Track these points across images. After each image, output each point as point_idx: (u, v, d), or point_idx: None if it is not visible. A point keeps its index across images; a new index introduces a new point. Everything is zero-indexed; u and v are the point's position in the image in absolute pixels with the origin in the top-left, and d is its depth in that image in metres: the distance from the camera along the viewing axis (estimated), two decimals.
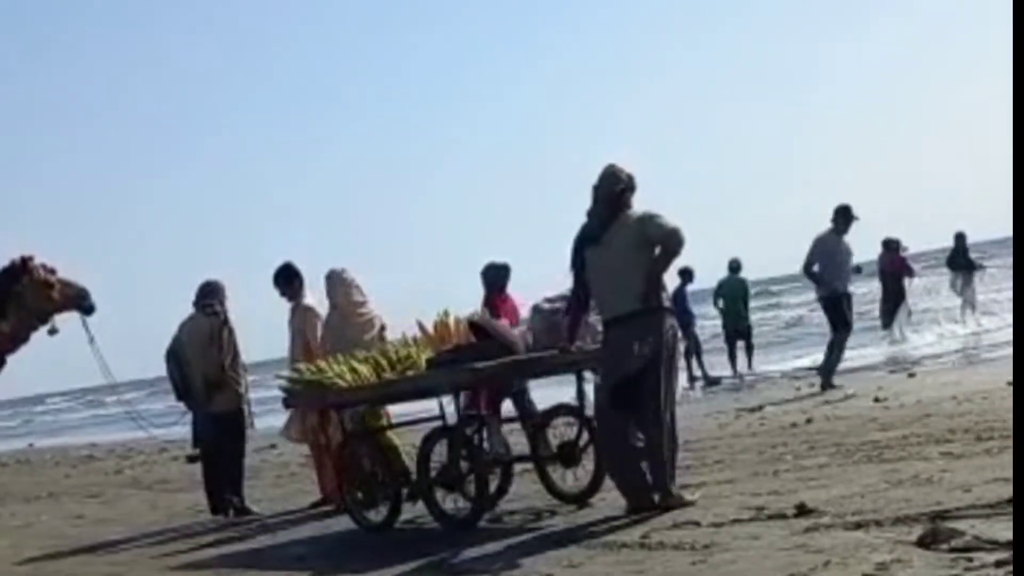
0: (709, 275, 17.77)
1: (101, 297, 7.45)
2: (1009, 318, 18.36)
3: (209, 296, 8.78)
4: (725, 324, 18.03)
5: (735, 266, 17.94)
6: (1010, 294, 20.14)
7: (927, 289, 19.84)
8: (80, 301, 7.67)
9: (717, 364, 17.83)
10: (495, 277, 8.83)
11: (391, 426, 7.65)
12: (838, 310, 12.14)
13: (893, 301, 18.72)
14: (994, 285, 20.72)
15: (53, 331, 7.35)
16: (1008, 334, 16.29)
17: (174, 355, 8.77)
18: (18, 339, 7.26)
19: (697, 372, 17.00)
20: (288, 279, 8.60)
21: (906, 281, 18.58)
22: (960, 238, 19.46)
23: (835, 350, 12.28)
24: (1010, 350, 14.59)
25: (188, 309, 8.82)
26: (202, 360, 8.60)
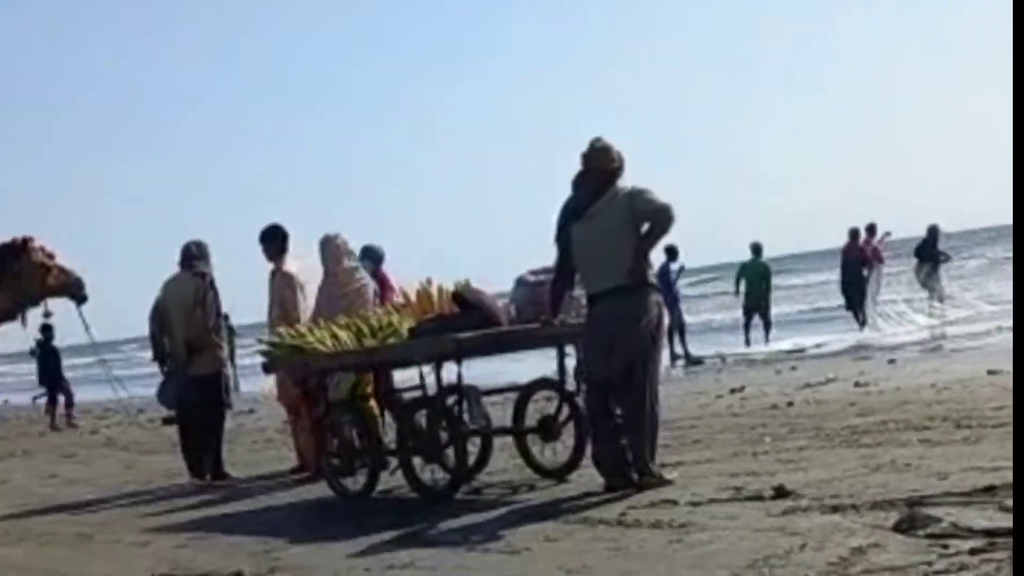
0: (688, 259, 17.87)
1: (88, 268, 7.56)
2: (980, 309, 18.46)
3: (195, 256, 8.71)
4: (746, 303, 18.64)
5: (757, 249, 18.65)
6: (980, 287, 20.24)
7: (894, 279, 19.83)
8: (75, 290, 7.73)
9: (730, 342, 18.19)
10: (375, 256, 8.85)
11: (377, 394, 7.61)
12: None
13: (852, 290, 18.79)
14: (963, 277, 20.88)
15: (48, 314, 7.57)
16: (981, 326, 16.38)
17: (157, 315, 8.72)
18: (6, 315, 7.36)
19: (679, 350, 17.05)
20: (273, 240, 8.52)
21: (870, 270, 18.65)
22: (932, 231, 19.50)
23: None
24: (986, 341, 14.68)
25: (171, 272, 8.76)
26: (185, 321, 8.54)
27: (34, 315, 7.65)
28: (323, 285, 8.06)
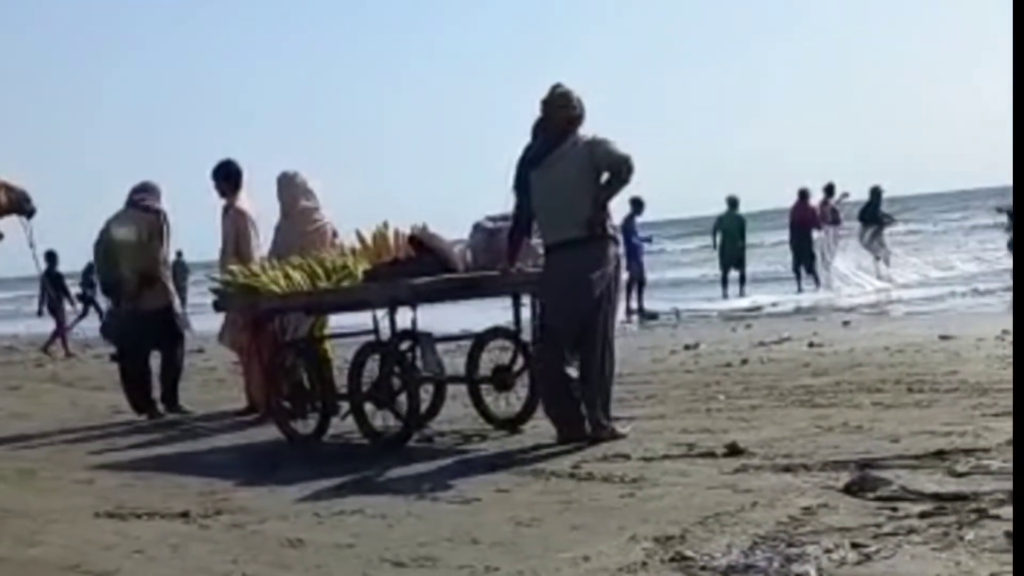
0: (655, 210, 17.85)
1: (51, 196, 7.51)
2: (927, 274, 18.61)
3: (144, 192, 8.58)
4: (722, 256, 18.91)
5: (733, 202, 18.83)
6: (926, 252, 20.38)
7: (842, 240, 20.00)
8: (23, 204, 7.57)
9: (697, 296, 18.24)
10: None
11: (327, 337, 7.52)
12: None
13: (800, 252, 18.90)
14: (906, 243, 21.06)
15: None
16: (933, 291, 16.55)
17: (100, 250, 8.59)
18: None
19: (634, 305, 17.07)
20: (227, 176, 8.36)
21: (820, 232, 18.74)
22: (875, 192, 19.56)
23: None
24: (939, 306, 14.85)
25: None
26: (135, 255, 8.41)
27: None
28: (280, 224, 7.91)
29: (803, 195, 19.08)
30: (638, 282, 17.26)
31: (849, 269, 18.88)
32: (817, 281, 18.69)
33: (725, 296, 18.60)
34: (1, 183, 7.43)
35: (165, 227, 8.51)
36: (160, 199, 8.64)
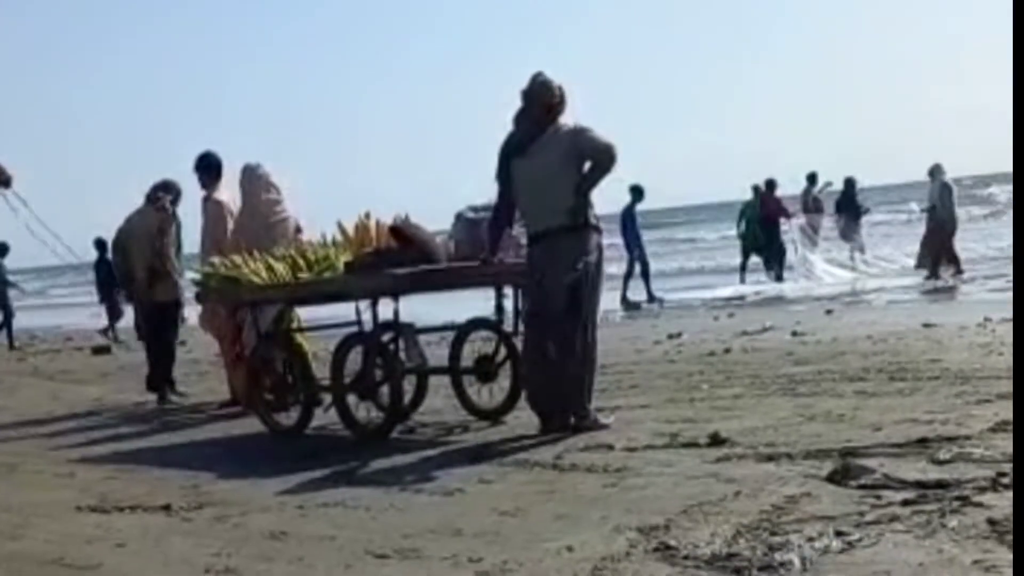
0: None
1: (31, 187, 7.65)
2: (902, 263, 18.65)
3: (163, 190, 8.92)
4: (744, 242, 19.19)
5: (758, 189, 19.03)
6: (899, 241, 20.46)
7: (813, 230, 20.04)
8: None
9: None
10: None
11: (301, 329, 7.50)
12: None
13: (768, 245, 18.93)
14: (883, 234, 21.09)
15: None
16: (912, 280, 16.60)
17: (119, 246, 9.12)
18: None
19: (643, 295, 17.03)
20: (206, 167, 8.42)
21: (790, 222, 18.80)
22: (850, 182, 19.59)
23: None
24: (921, 295, 14.92)
25: (123, 198, 8.94)
26: (147, 251, 8.83)
27: None
28: (240, 215, 7.90)
29: (769, 186, 19.10)
30: (643, 272, 17.21)
31: (819, 261, 18.86)
32: (778, 276, 18.66)
33: (743, 281, 18.73)
34: None
35: (174, 225, 8.87)
36: (177, 199, 8.96)
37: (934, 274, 16.64)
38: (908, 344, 8.54)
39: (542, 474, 5.04)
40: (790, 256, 18.85)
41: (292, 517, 4.61)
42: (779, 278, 18.63)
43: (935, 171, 17.16)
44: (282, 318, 7.26)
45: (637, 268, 17.25)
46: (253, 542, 4.25)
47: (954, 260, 16.98)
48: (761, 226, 19.02)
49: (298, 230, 7.86)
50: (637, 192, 16.82)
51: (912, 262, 17.81)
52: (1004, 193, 34.77)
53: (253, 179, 7.86)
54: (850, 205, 19.37)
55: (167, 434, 7.29)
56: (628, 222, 17.13)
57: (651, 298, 17.00)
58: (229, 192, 8.31)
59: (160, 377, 8.93)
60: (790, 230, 18.85)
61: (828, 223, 19.48)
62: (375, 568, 3.77)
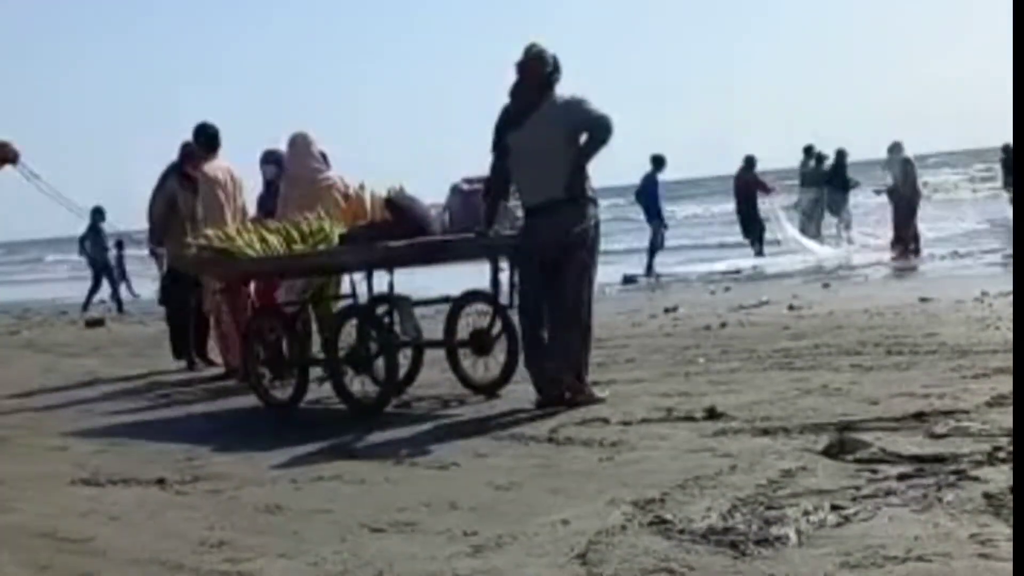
0: (635, 172, 17.72)
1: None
2: (887, 238, 18.63)
3: (186, 157, 8.77)
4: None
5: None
6: (883, 216, 20.47)
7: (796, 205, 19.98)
8: (5, 153, 7.71)
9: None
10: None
11: (336, 297, 7.41)
12: None
13: (746, 221, 18.89)
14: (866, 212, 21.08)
15: None
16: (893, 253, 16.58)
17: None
18: None
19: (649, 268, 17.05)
20: (197, 140, 8.36)
21: (767, 198, 18.77)
22: (840, 155, 19.49)
23: None
24: (919, 269, 14.91)
25: (122, 172, 8.88)
26: (168, 219, 8.81)
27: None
28: (287, 184, 7.77)
29: (748, 162, 18.98)
30: (660, 244, 17.27)
31: (804, 236, 18.79)
32: (759, 252, 18.61)
33: (761, 254, 18.55)
34: None
35: (182, 194, 8.66)
36: (201, 164, 8.58)
37: (908, 251, 16.61)
38: (905, 318, 8.52)
39: (537, 448, 5.02)
40: (775, 232, 18.80)
41: (287, 491, 4.59)
42: (759, 254, 18.56)
43: (894, 148, 17.07)
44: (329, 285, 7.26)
45: (660, 239, 17.33)
46: (247, 516, 4.24)
47: (915, 238, 16.94)
48: (738, 200, 18.95)
49: (346, 197, 7.71)
50: (658, 162, 16.80)
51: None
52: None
53: (299, 148, 7.77)
54: (839, 178, 19.30)
55: (161, 407, 7.26)
56: (650, 189, 17.12)
57: (648, 271, 16.98)
58: (225, 162, 8.28)
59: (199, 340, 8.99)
60: (770, 207, 18.79)
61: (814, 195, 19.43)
62: (370, 541, 3.76)
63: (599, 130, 5.87)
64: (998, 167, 24.21)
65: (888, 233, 17.79)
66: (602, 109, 5.89)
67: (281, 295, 7.46)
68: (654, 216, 17.29)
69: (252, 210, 8.25)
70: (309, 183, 7.61)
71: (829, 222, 19.45)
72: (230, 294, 7.53)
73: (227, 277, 7.25)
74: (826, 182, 19.31)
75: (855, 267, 15.62)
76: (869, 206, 21.31)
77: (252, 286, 7.53)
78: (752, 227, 18.87)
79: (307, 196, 7.51)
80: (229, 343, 8.02)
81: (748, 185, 18.85)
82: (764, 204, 18.83)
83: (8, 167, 7.77)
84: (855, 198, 20.29)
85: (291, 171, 7.74)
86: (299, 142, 7.77)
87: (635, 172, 17.55)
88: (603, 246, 6.26)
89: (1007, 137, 18.53)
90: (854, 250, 18.14)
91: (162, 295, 9.54)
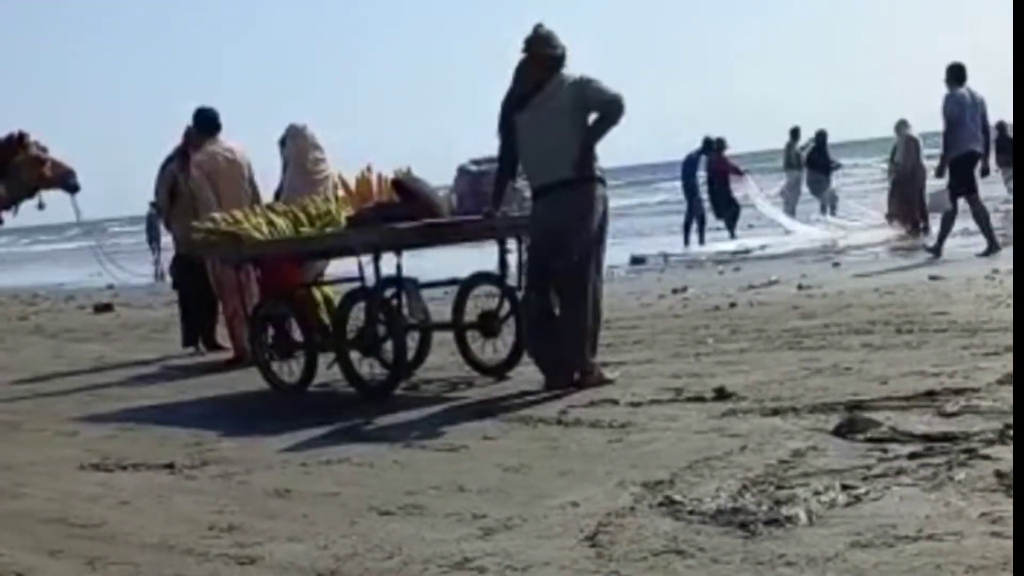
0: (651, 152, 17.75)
1: None
2: (873, 218, 18.51)
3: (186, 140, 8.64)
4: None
5: (795, 133, 19.29)
6: (870, 197, 20.36)
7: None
8: (68, 179, 8.31)
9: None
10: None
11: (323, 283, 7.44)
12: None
13: (717, 204, 18.79)
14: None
15: (42, 206, 8.32)
16: (884, 234, 16.48)
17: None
18: (5, 205, 8.11)
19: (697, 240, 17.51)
20: (205, 122, 8.34)
21: (741, 181, 18.68)
22: (820, 137, 19.38)
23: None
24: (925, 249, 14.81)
25: (122, 155, 8.87)
26: (185, 202, 8.58)
27: (27, 206, 8.44)
28: (290, 174, 7.91)
29: (719, 145, 18.85)
30: (699, 218, 17.74)
31: (786, 217, 18.70)
32: (731, 235, 18.56)
33: (733, 236, 18.42)
34: (51, 159, 8.11)
35: (183, 176, 8.51)
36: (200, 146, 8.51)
37: (917, 229, 16.51)
38: (915, 297, 8.48)
39: (546, 430, 5.01)
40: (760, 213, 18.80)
41: (296, 474, 4.59)
42: (732, 236, 18.49)
43: (901, 126, 16.97)
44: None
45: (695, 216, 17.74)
46: (257, 500, 4.24)
47: (923, 216, 16.84)
48: (710, 184, 18.86)
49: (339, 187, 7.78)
50: (708, 144, 17.03)
51: (880, 217, 17.67)
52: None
53: (300, 139, 7.86)
54: (820, 159, 19.22)
55: (170, 392, 7.26)
56: (688, 168, 17.40)
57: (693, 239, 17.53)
58: (218, 147, 8.28)
59: (207, 326, 8.96)
60: (744, 188, 18.72)
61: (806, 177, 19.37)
62: (379, 525, 3.75)
63: (611, 109, 5.84)
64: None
65: (873, 212, 17.75)
66: (613, 88, 5.85)
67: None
68: (694, 194, 17.81)
69: (268, 189, 8.29)
70: (312, 173, 7.79)
71: (815, 204, 19.44)
72: (236, 277, 7.51)
73: (235, 260, 7.24)
74: (808, 164, 19.25)
75: (863, 246, 15.54)
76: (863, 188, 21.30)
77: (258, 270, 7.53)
78: (724, 209, 18.81)
79: (311, 184, 7.66)
80: (236, 326, 8.02)
81: (719, 167, 18.78)
82: (740, 188, 18.77)
83: (61, 191, 8.24)
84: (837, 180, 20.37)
85: (297, 161, 7.88)
86: (303, 134, 7.84)
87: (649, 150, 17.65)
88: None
89: (1004, 115, 18.32)
90: (858, 227, 18.07)
91: (175, 279, 9.51)
